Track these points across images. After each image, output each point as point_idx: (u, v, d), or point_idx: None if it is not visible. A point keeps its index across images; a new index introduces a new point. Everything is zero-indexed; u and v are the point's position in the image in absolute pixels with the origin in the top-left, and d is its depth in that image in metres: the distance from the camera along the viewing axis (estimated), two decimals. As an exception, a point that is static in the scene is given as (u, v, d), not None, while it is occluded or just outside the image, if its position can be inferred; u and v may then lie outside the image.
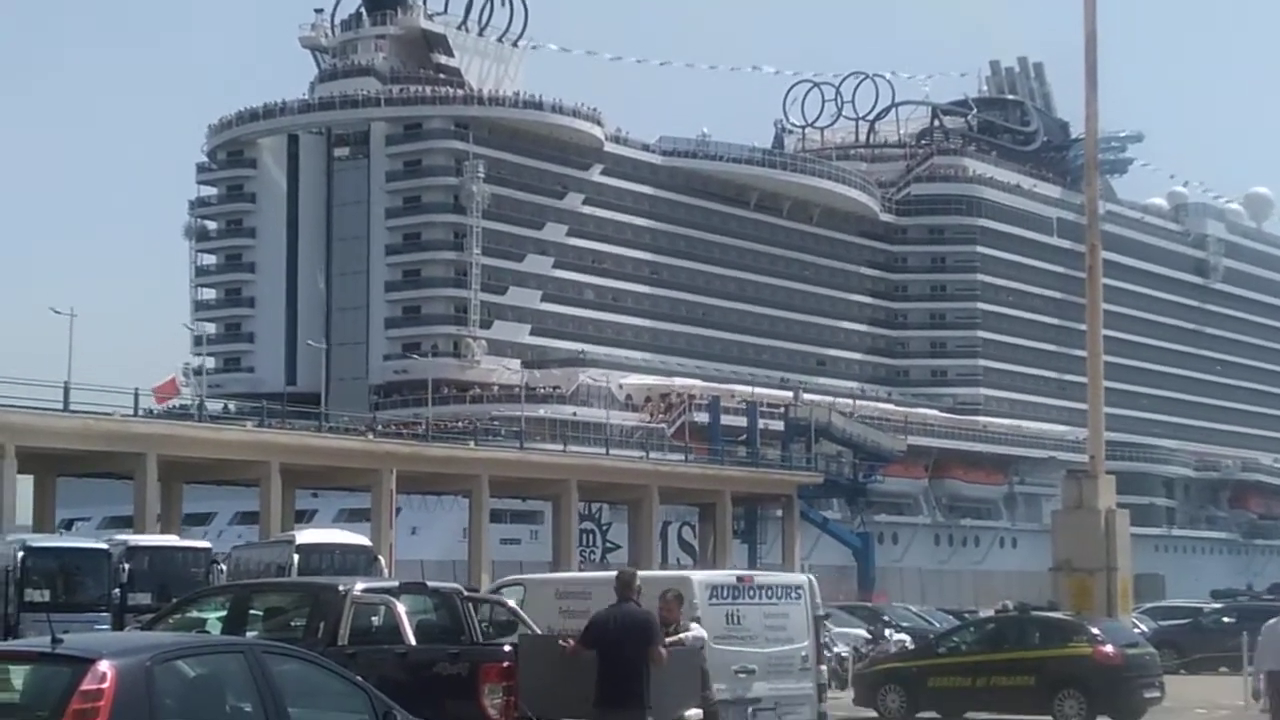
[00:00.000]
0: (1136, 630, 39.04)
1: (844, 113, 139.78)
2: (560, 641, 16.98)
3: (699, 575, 20.66)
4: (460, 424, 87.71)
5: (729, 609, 20.89)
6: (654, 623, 16.68)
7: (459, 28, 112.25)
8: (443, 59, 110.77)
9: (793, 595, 21.79)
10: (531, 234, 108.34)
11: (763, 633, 21.07)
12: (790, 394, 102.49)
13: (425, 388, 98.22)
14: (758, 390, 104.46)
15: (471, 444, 72.10)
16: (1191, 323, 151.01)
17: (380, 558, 41.58)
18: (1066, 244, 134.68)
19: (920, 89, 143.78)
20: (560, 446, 78.49)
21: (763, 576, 22.39)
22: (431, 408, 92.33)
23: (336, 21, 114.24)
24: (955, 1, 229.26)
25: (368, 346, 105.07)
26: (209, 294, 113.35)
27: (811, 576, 23.25)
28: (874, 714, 31.02)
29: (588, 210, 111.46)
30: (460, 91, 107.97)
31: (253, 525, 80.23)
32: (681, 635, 18.53)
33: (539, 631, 19.33)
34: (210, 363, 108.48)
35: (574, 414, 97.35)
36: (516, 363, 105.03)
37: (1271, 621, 24.32)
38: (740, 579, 21.58)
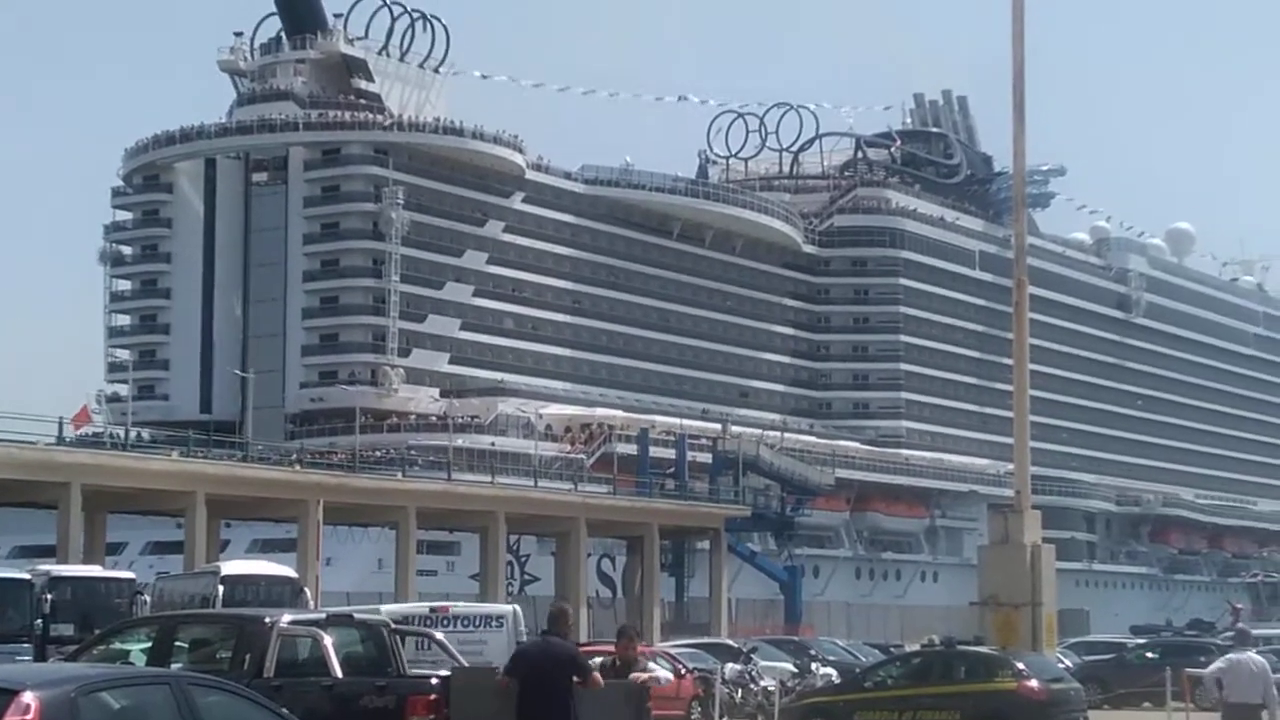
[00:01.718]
0: (1061, 665, 39.01)
1: (768, 144, 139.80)
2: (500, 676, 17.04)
3: (387, 608, 21.08)
4: (378, 453, 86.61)
5: (418, 638, 23.10)
6: (577, 656, 16.76)
7: (380, 53, 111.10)
8: (363, 84, 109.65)
9: (493, 624, 24.45)
10: (451, 261, 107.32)
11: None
12: (719, 426, 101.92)
13: (342, 416, 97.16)
14: (685, 422, 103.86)
15: (399, 475, 71.50)
16: (1113, 357, 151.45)
17: (306, 590, 41.31)
18: (989, 277, 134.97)
19: (844, 121, 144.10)
20: (488, 478, 77.54)
21: (460, 607, 23.62)
22: (348, 437, 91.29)
23: (256, 45, 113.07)
24: (880, 34, 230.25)
25: (284, 374, 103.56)
26: (124, 320, 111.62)
27: (517, 608, 25.14)
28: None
29: (508, 238, 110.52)
30: (380, 117, 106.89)
31: (165, 555, 79.37)
32: (635, 675, 18.53)
33: (465, 664, 19.89)
34: (124, 389, 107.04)
35: (492, 444, 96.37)
36: (435, 391, 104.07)
37: (1233, 656, 24.52)
38: (434, 609, 23.48)
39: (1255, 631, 47.45)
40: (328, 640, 18.17)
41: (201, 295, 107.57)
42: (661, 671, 20.09)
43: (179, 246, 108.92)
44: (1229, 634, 40.22)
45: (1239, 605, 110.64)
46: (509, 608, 24.88)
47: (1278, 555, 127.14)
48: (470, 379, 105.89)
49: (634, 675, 18.55)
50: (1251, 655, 24.88)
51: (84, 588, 36.48)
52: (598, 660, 18.51)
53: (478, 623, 23.97)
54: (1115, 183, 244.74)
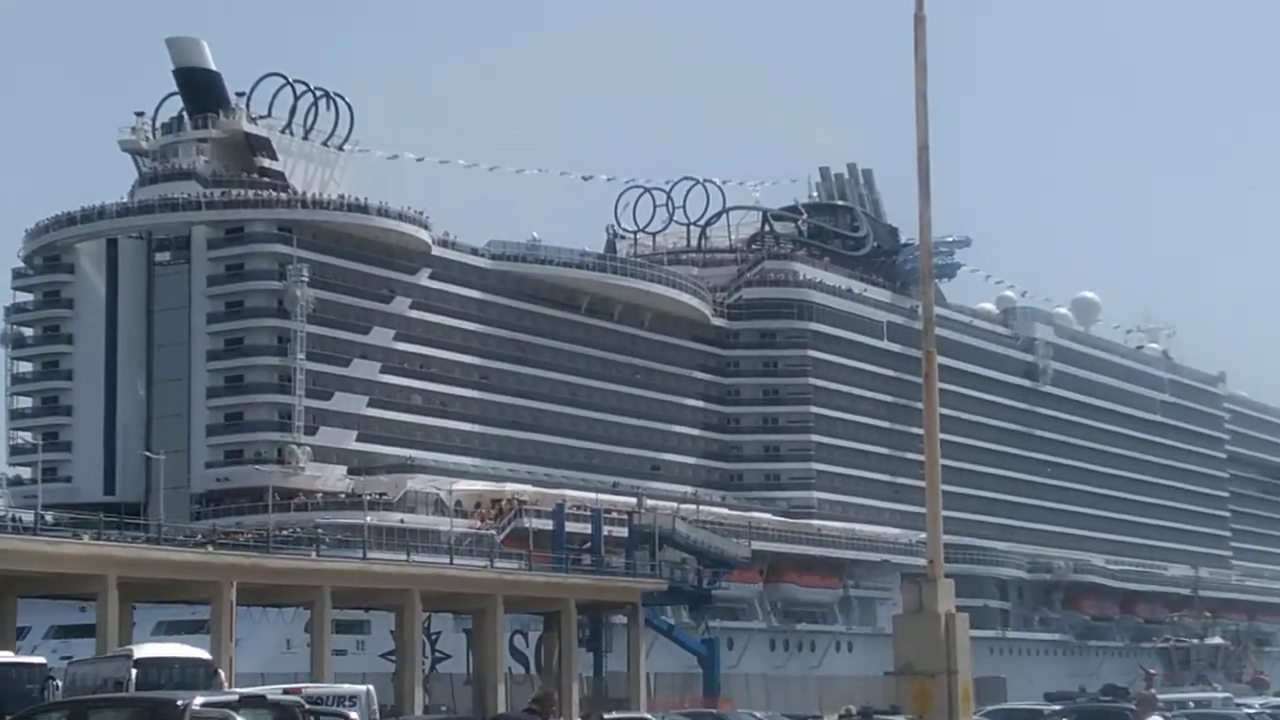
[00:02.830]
0: None
1: (675, 218, 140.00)
2: None
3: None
4: (285, 532, 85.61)
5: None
6: None
7: (283, 131, 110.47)
8: (266, 162, 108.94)
9: (346, 704, 25.05)
10: (358, 339, 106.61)
11: None
12: (631, 500, 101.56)
13: (249, 495, 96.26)
14: (600, 496, 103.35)
15: (313, 555, 71.08)
16: (1022, 425, 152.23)
17: (221, 671, 40.82)
18: (897, 348, 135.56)
19: (751, 194, 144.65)
20: (403, 556, 76.82)
21: (312, 688, 23.33)
22: (255, 516, 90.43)
23: (157, 124, 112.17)
24: (786, 108, 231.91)
25: (189, 454, 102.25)
26: (25, 402, 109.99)
27: (370, 688, 25.12)
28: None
29: (415, 314, 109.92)
30: (284, 195, 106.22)
31: (69, 640, 78.10)
32: None
33: None
34: (26, 472, 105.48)
35: (401, 520, 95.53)
36: (343, 469, 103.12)
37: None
38: (286, 692, 23.04)
39: (1163, 696, 47.73)
40: None
41: (104, 376, 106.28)
42: None
43: (81, 327, 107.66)
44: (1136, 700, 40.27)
45: (1152, 670, 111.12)
46: (362, 689, 24.95)
47: (1188, 620, 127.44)
48: (378, 456, 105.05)
49: None
50: None
51: None
52: None
53: (331, 703, 23.58)
54: (1020, 253, 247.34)
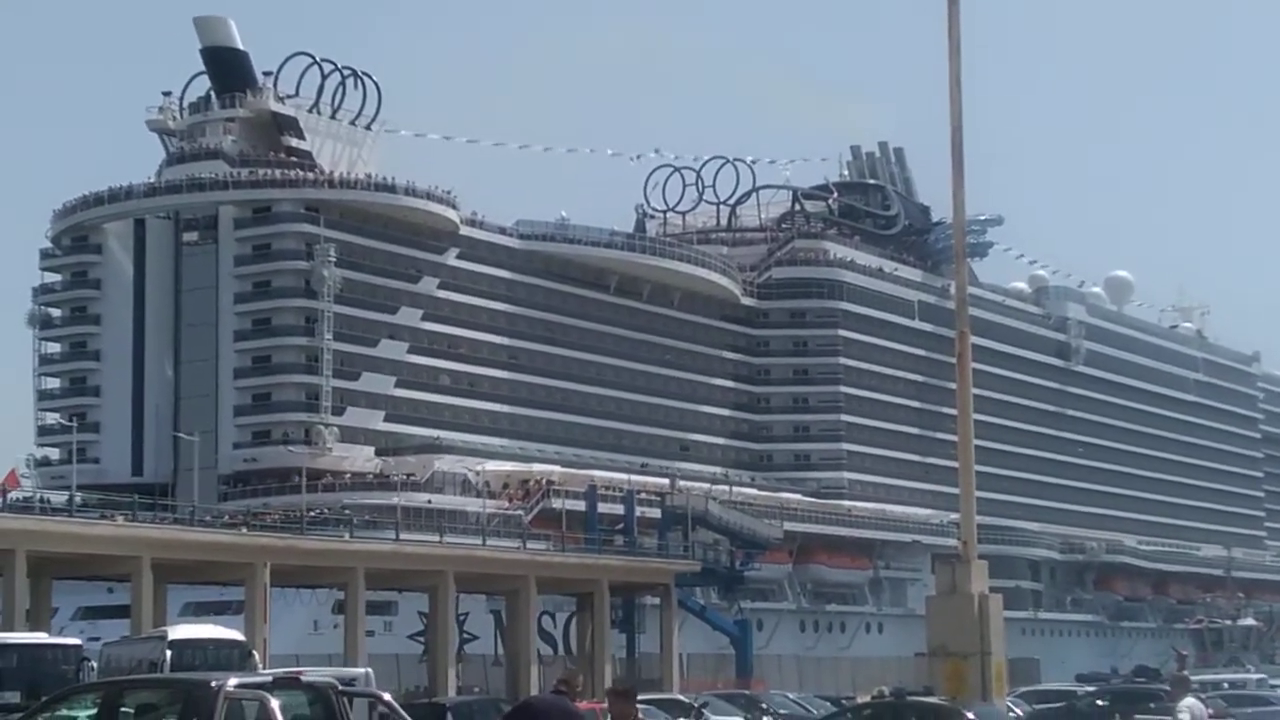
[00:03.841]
0: (1011, 714, 39.71)
1: (705, 197, 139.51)
2: None
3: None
4: (312, 513, 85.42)
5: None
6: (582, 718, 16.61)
7: (310, 110, 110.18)
8: (294, 142, 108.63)
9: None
10: (385, 319, 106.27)
11: None
12: (661, 480, 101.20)
13: (276, 477, 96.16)
14: (631, 477, 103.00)
15: (346, 536, 70.81)
16: (1053, 405, 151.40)
17: (255, 653, 41.06)
18: (928, 327, 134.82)
19: (781, 173, 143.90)
20: (435, 536, 76.63)
21: (311, 674, 23.14)
22: (282, 497, 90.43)
23: (185, 105, 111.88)
24: (817, 86, 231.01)
25: (217, 435, 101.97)
26: (53, 383, 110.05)
27: (369, 670, 24.47)
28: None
29: (443, 294, 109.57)
30: (311, 174, 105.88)
31: (96, 620, 78.21)
32: None
33: None
34: (54, 453, 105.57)
35: (429, 501, 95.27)
36: (370, 450, 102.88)
37: (1189, 701, 25.11)
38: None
39: (1196, 677, 47.35)
40: (274, 703, 17.99)
41: (132, 357, 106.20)
42: None
43: (108, 308, 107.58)
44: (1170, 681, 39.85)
45: (1184, 651, 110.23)
46: (361, 671, 24.69)
47: (1221, 600, 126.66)
48: (406, 436, 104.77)
49: None
50: (1197, 702, 25.60)
51: (30, 655, 37.15)
52: None
53: None
54: (1053, 231, 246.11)
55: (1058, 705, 52.63)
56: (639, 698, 20.10)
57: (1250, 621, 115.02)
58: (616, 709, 18.26)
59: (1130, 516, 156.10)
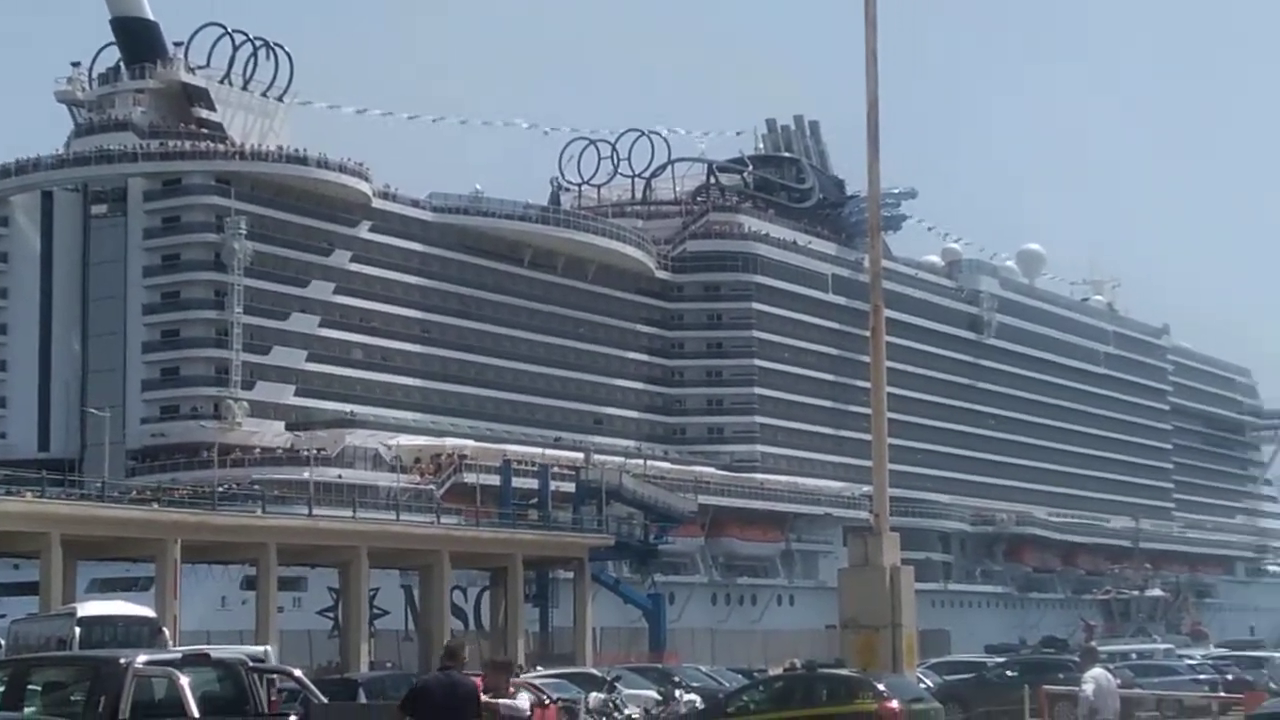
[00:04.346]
0: (922, 685, 39.46)
1: (620, 170, 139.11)
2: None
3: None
4: (221, 489, 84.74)
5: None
6: (477, 693, 16.45)
7: (221, 82, 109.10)
8: (204, 113, 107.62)
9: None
10: (296, 292, 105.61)
11: None
12: (575, 454, 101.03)
13: (185, 452, 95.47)
14: (545, 451, 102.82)
15: (258, 511, 70.32)
16: (966, 378, 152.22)
17: (165, 629, 40.72)
18: (842, 300, 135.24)
19: (696, 146, 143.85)
20: (348, 511, 76.18)
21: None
22: (190, 472, 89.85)
23: (94, 75, 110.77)
24: (731, 60, 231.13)
25: (125, 410, 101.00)
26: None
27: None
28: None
29: (355, 268, 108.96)
30: (222, 146, 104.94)
31: (2, 598, 77.18)
32: (498, 701, 18.49)
33: (325, 701, 20.04)
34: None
35: (339, 476, 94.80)
36: (280, 425, 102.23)
37: (1096, 671, 25.52)
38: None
39: (1104, 648, 47.80)
40: (184, 680, 18.11)
41: (39, 330, 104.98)
42: (524, 703, 20.56)
43: (15, 281, 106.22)
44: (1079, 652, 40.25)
45: (1092, 622, 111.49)
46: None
47: (1129, 572, 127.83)
48: (317, 411, 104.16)
49: (498, 703, 18.49)
50: (1105, 672, 25.97)
51: None
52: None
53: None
54: (967, 205, 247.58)
55: (967, 676, 52.85)
56: (533, 671, 20.32)
57: (1157, 592, 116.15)
58: (491, 680, 18.70)
59: (1040, 488, 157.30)
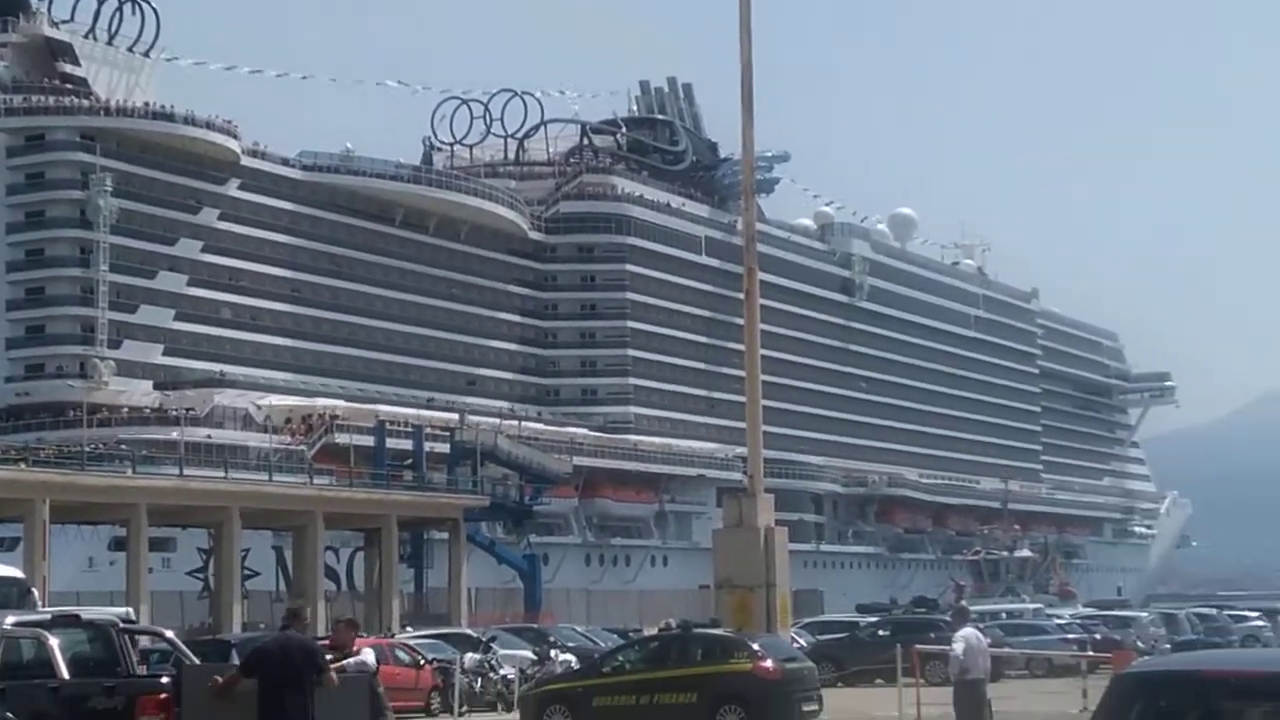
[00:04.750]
0: (795, 645, 39.88)
1: (493, 130, 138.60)
2: (214, 678, 16.93)
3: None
4: (88, 449, 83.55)
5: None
6: (318, 650, 16.86)
7: (86, 36, 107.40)
8: (68, 68, 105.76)
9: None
10: (164, 250, 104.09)
11: None
12: (449, 415, 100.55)
13: (50, 411, 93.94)
14: (419, 412, 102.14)
15: (129, 471, 69.12)
16: (838, 341, 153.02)
17: (34, 590, 39.84)
18: (715, 263, 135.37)
19: (570, 107, 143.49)
20: (220, 472, 75.21)
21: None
22: (56, 432, 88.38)
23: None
24: (605, 22, 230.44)
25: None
26: None
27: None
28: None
29: (224, 226, 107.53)
30: (86, 102, 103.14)
31: None
32: (346, 661, 18.80)
33: (197, 662, 19.76)
34: None
35: (208, 436, 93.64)
36: (148, 384, 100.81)
37: (967, 633, 25.77)
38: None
39: (975, 608, 48.26)
40: (53, 641, 18.07)
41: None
42: (370, 657, 21.12)
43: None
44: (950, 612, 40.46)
45: (962, 583, 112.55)
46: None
47: (998, 533, 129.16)
48: (186, 370, 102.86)
49: (346, 662, 18.81)
50: (975, 632, 26.34)
51: None
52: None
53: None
54: (838, 168, 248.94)
55: (841, 636, 53.44)
56: (426, 632, 20.55)
57: (1026, 553, 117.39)
58: (338, 638, 19.48)
59: (912, 450, 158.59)
